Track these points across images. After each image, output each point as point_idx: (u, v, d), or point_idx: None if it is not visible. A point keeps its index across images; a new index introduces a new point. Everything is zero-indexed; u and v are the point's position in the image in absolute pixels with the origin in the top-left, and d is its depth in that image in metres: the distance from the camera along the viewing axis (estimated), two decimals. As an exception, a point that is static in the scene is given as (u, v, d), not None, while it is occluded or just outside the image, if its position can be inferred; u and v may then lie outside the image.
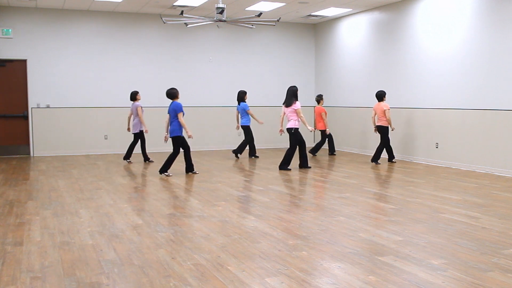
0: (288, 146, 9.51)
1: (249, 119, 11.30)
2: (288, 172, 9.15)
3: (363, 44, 12.33)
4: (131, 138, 12.67)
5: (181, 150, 8.93)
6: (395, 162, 10.50)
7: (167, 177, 8.63)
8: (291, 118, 9.28)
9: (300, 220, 5.51)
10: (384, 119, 10.20)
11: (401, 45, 11.06)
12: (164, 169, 8.79)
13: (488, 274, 3.77)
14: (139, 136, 10.63)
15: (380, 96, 10.33)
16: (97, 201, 6.61)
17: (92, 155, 12.15)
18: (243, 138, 11.58)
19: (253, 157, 11.44)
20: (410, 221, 5.45)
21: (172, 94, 8.75)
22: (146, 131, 10.56)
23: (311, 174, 9.07)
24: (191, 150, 13.06)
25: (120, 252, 4.36)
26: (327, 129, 11.84)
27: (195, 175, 8.84)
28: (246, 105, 11.26)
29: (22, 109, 11.98)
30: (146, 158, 10.82)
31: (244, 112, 11.24)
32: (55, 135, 12.12)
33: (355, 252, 4.32)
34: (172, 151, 8.87)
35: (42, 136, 12.03)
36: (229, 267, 3.93)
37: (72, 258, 4.19)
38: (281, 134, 10.15)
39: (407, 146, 10.93)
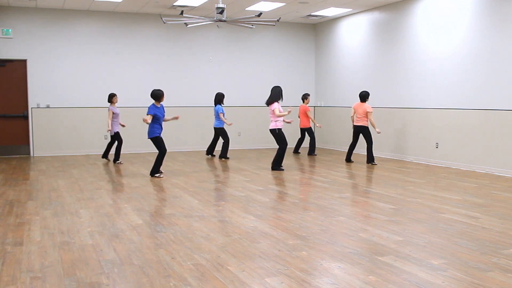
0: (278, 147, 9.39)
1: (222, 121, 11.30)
2: (288, 172, 9.14)
3: (363, 44, 12.33)
4: (130, 139, 12.71)
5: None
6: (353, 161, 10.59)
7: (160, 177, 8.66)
8: (271, 118, 9.32)
9: (300, 220, 5.51)
10: (365, 119, 10.14)
11: (401, 45, 11.06)
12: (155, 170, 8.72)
13: (488, 274, 3.77)
14: (116, 137, 10.62)
15: (364, 96, 10.22)
16: (97, 201, 6.61)
17: (92, 155, 12.14)
18: (222, 141, 11.53)
19: (210, 155, 11.67)
20: (410, 221, 5.45)
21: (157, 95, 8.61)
22: (108, 130, 10.50)
23: (311, 174, 9.07)
24: (191, 150, 13.11)
25: (120, 252, 4.36)
26: (317, 125, 11.96)
27: (195, 175, 8.83)
28: (221, 108, 11.18)
29: (22, 109, 11.98)
30: (113, 158, 10.73)
31: (217, 114, 11.23)
32: (55, 135, 12.12)
33: (355, 252, 4.32)
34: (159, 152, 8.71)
35: (42, 136, 12.03)
36: (229, 267, 3.93)
37: (72, 258, 4.19)
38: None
39: (407, 146, 10.92)
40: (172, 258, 4.19)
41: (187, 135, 13.11)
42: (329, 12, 12.42)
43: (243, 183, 8.08)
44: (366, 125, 10.17)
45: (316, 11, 12.35)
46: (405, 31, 10.92)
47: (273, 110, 9.21)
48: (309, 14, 12.68)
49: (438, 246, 4.49)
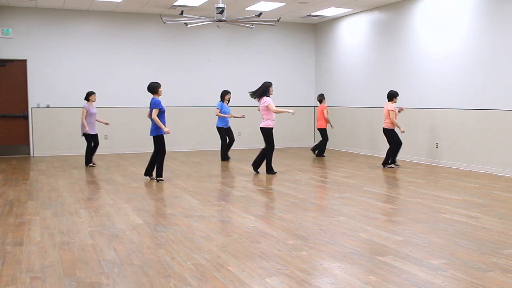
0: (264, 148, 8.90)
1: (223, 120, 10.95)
2: (288, 172, 9.13)
3: (363, 44, 12.33)
4: (130, 139, 12.71)
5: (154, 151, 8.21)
6: (392, 167, 9.72)
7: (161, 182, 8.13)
8: (265, 116, 8.66)
9: (300, 220, 5.51)
10: (388, 120, 9.62)
11: (401, 45, 11.06)
12: (159, 174, 8.15)
13: (488, 274, 3.77)
14: (94, 139, 9.95)
15: (389, 96, 9.68)
16: (97, 201, 6.61)
17: (92, 155, 12.13)
18: (228, 140, 11.10)
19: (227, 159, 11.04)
20: (410, 221, 5.45)
21: (152, 88, 7.94)
22: (87, 130, 9.73)
23: (311, 174, 9.06)
24: (191, 150, 13.11)
25: (120, 252, 4.36)
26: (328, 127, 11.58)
27: (195, 175, 8.82)
28: (219, 104, 10.92)
29: (22, 109, 11.98)
30: (89, 162, 10.05)
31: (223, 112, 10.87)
32: (55, 135, 12.12)
33: (355, 252, 4.32)
34: (155, 152, 8.12)
35: (42, 136, 12.02)
36: (229, 267, 3.93)
37: (72, 258, 4.19)
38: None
39: (407, 146, 10.91)
40: (172, 258, 4.19)
41: (187, 135, 13.11)
42: (329, 12, 12.42)
43: (243, 183, 8.08)
44: (387, 127, 9.62)
45: (316, 11, 12.35)
46: (405, 31, 10.92)
47: (266, 106, 8.55)
48: (309, 14, 12.68)
49: (438, 246, 4.49)
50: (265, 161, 8.96)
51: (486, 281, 3.62)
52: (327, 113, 11.65)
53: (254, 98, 8.85)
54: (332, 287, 3.52)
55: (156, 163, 8.18)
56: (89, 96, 9.93)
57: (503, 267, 3.91)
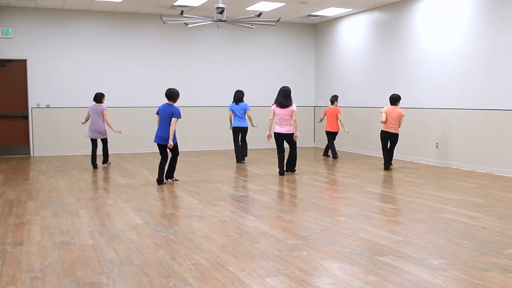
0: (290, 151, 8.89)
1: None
2: (288, 172, 9.11)
3: (363, 44, 12.33)
4: (131, 138, 12.69)
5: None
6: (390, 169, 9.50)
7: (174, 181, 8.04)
8: (287, 122, 8.51)
9: (300, 220, 5.51)
10: (398, 125, 9.26)
11: (401, 45, 11.06)
12: (169, 175, 8.09)
13: (488, 274, 3.77)
14: (106, 140, 10.00)
15: (396, 99, 9.33)
16: (97, 201, 6.61)
17: (92, 155, 12.13)
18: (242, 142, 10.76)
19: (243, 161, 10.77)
20: (410, 221, 5.45)
21: (172, 94, 7.72)
22: (119, 131, 9.99)
23: (311, 174, 9.06)
24: (191, 150, 13.11)
25: (120, 252, 4.36)
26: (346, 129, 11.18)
27: (195, 175, 8.82)
28: (247, 105, 10.62)
29: (22, 109, 11.98)
30: (106, 161, 10.12)
31: (244, 113, 10.55)
32: (55, 135, 12.12)
33: (355, 252, 4.32)
34: (164, 157, 7.89)
35: (42, 136, 12.02)
36: (229, 267, 3.93)
37: (72, 258, 4.19)
38: (269, 139, 9.05)
39: (407, 146, 10.92)
40: (172, 258, 4.19)
41: (187, 135, 13.11)
42: (329, 12, 12.42)
43: (243, 183, 8.08)
44: (397, 132, 9.32)
45: (316, 11, 12.35)
46: (405, 31, 10.92)
47: (293, 111, 8.43)
48: (309, 14, 12.68)
49: (438, 246, 4.49)
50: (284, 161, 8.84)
51: (486, 281, 3.62)
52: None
53: (285, 107, 8.49)
54: (332, 287, 3.52)
55: (170, 165, 8.05)
56: (102, 98, 9.87)
57: (503, 267, 3.91)
